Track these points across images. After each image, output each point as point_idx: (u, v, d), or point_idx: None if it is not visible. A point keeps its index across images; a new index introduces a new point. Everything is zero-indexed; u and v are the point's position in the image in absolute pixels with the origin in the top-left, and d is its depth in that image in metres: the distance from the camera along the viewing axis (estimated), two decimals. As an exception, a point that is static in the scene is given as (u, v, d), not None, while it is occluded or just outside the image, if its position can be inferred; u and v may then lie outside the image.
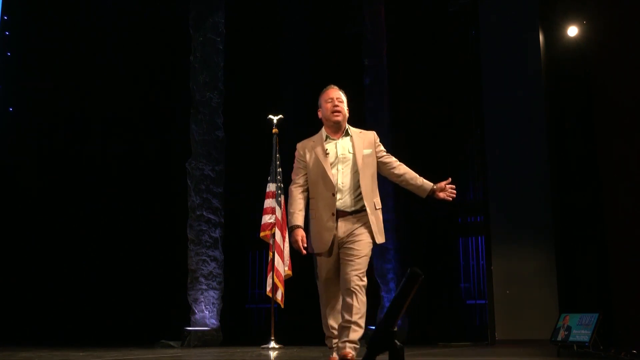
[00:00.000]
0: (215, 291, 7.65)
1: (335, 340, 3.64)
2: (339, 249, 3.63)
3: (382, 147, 3.93)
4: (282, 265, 6.69)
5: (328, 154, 3.74)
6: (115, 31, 9.02)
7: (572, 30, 7.39)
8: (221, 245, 7.77)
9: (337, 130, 3.83)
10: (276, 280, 6.67)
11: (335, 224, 3.61)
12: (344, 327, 3.55)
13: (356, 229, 3.63)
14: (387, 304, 6.28)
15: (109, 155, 8.99)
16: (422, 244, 7.88)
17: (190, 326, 7.40)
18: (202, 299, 7.53)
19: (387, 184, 7.70)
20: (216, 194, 7.78)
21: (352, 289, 3.57)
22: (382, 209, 3.64)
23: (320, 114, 3.92)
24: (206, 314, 7.51)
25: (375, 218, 3.68)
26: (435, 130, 8.26)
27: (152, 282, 8.34)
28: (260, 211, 6.92)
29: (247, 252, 9.26)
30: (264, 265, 7.84)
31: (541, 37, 7.71)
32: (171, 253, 8.13)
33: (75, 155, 9.04)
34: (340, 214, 3.64)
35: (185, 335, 7.23)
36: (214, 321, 7.54)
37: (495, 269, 7.60)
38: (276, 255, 6.73)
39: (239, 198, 8.38)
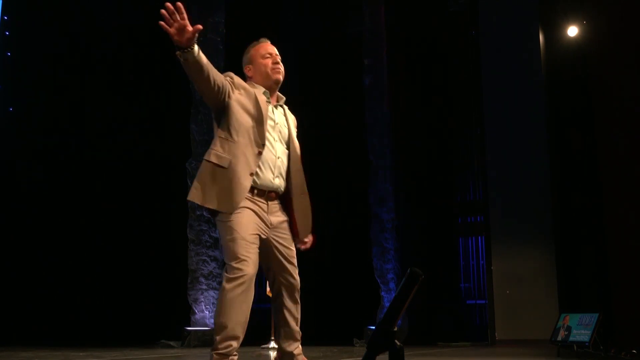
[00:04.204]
0: (215, 291, 7.64)
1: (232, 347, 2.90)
2: (270, 235, 3.01)
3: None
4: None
5: (268, 103, 3.08)
6: (115, 31, 9.02)
7: (572, 30, 7.40)
8: (221, 245, 7.75)
9: (274, 92, 3.18)
10: (276, 280, 6.66)
11: (262, 202, 2.97)
12: (295, 337, 3.16)
13: (282, 220, 3.06)
14: (387, 304, 6.28)
15: (109, 155, 8.98)
16: (422, 244, 7.88)
17: (190, 326, 7.40)
18: (202, 299, 7.53)
19: (387, 183, 7.74)
20: (216, 194, 7.76)
21: (299, 290, 3.14)
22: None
23: (249, 72, 3.18)
24: (206, 314, 7.51)
25: (303, 219, 3.13)
26: (436, 130, 8.26)
27: (152, 282, 8.34)
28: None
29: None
30: (264, 265, 7.84)
31: (541, 37, 7.72)
32: (171, 253, 8.13)
33: (75, 155, 9.03)
34: (272, 194, 3.02)
35: (185, 335, 7.23)
36: (214, 321, 7.54)
37: (495, 269, 7.61)
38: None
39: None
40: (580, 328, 5.36)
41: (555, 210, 7.41)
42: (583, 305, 6.51)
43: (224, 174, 2.93)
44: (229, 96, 2.97)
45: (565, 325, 5.56)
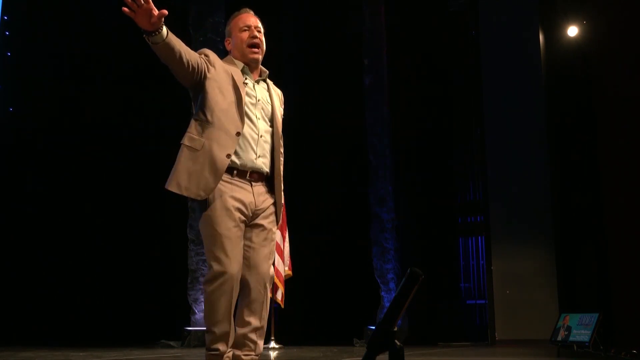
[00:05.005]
0: (216, 291, 7.63)
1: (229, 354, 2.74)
2: (250, 221, 2.82)
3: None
4: (282, 265, 6.68)
5: (246, 83, 2.90)
6: (115, 31, 9.00)
7: (572, 30, 7.40)
8: (221, 245, 7.73)
9: (254, 69, 3.00)
10: (276, 280, 6.67)
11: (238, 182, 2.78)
12: (250, 338, 2.78)
13: (269, 204, 2.87)
14: (387, 304, 6.28)
15: (109, 155, 8.98)
16: (422, 244, 7.88)
17: (190, 326, 7.40)
18: (202, 299, 7.52)
19: (387, 183, 7.74)
20: (216, 194, 7.75)
21: (267, 285, 2.85)
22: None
23: (228, 45, 3.05)
24: (206, 314, 7.50)
25: (280, 202, 2.94)
26: (436, 130, 8.26)
27: (152, 282, 8.34)
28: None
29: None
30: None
31: (541, 37, 7.72)
32: (171, 253, 8.13)
33: (75, 155, 9.03)
34: (255, 175, 2.83)
35: (185, 335, 7.23)
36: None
37: (495, 269, 7.61)
38: (276, 255, 6.72)
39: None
40: (580, 328, 5.36)
41: (555, 210, 7.42)
42: (583, 305, 6.51)
43: (197, 158, 2.76)
44: (205, 76, 2.82)
45: (565, 325, 5.56)
